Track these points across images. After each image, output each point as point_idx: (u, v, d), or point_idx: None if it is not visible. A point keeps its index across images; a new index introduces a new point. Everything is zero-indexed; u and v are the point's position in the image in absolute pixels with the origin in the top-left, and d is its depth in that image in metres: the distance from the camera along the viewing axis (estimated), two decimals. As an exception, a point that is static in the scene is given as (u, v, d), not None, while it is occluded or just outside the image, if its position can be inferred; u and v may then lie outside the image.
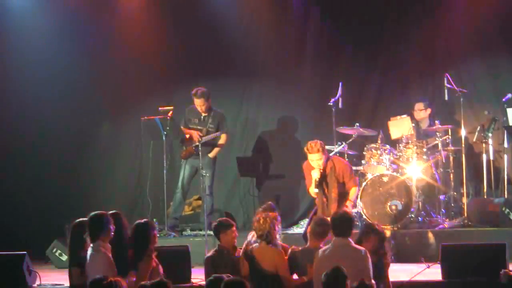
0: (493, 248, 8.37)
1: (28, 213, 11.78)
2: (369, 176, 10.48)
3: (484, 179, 10.71)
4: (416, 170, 10.50)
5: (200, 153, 10.49)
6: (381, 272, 7.13)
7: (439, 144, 10.63)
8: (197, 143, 10.66)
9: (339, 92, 10.86)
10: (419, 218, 10.45)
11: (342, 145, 10.70)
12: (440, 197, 10.75)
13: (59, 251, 10.45)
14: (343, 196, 9.12)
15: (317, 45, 12.23)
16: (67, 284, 7.88)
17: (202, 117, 11.01)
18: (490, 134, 10.67)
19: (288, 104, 12.26)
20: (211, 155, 10.98)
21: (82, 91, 12.06)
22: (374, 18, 11.96)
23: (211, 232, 8.16)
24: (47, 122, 11.97)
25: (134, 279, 7.14)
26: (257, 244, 7.63)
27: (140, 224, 7.51)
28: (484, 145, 10.69)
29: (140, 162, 12.17)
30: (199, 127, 10.96)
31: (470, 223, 10.26)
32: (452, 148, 10.75)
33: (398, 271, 8.58)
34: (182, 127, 10.96)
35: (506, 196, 10.63)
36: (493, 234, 9.85)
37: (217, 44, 12.17)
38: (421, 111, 11.19)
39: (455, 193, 10.87)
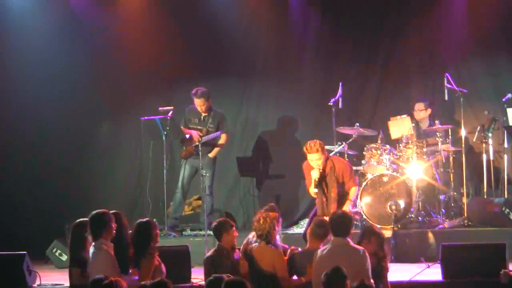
0: (493, 248, 8.36)
1: (28, 213, 11.79)
2: (369, 176, 10.48)
3: (484, 179, 10.71)
4: (416, 170, 10.50)
5: (200, 153, 10.49)
6: (380, 274, 7.13)
7: (439, 144, 10.63)
8: (197, 143, 10.66)
9: (339, 92, 10.86)
10: (419, 218, 10.45)
11: (342, 145, 10.70)
12: (440, 197, 10.75)
13: (59, 251, 10.45)
14: (343, 195, 9.10)
15: (317, 45, 12.23)
16: (67, 284, 7.89)
17: (202, 117, 11.01)
18: (490, 134, 10.67)
19: (288, 104, 12.26)
20: (211, 155, 10.99)
21: (82, 91, 12.06)
22: (374, 18, 11.97)
23: (211, 232, 8.14)
24: (47, 122, 11.97)
25: (137, 277, 7.14)
26: (256, 244, 7.62)
27: (142, 223, 7.54)
28: (484, 145, 10.69)
29: (140, 162, 12.17)
30: (199, 127, 10.96)
31: (470, 223, 10.25)
32: (452, 148, 10.75)
33: (398, 271, 8.58)
34: (182, 127, 10.96)
35: (506, 196, 10.63)
36: (493, 234, 9.84)
37: (217, 44, 12.17)
38: (422, 111, 11.19)
39: (455, 193, 10.87)
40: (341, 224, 7.06)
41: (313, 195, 9.16)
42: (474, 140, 10.93)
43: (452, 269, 8.24)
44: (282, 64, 12.21)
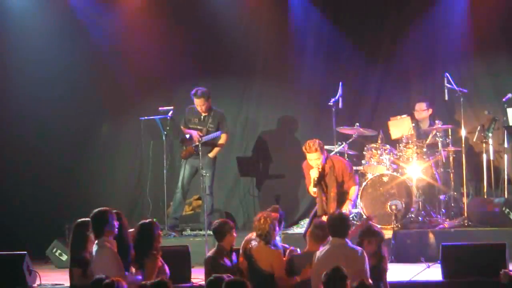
0: (493, 248, 8.37)
1: (28, 213, 11.77)
2: (369, 176, 10.49)
3: (484, 179, 10.71)
4: (416, 170, 10.51)
5: (200, 153, 10.48)
6: (379, 275, 7.12)
7: (439, 144, 10.63)
8: (197, 143, 10.66)
9: (339, 92, 10.86)
10: (419, 218, 10.45)
11: (342, 145, 10.71)
12: (440, 197, 10.75)
13: (59, 251, 10.45)
14: (342, 195, 9.09)
15: (317, 45, 12.23)
16: (67, 284, 7.88)
17: (202, 117, 11.00)
18: (490, 134, 10.68)
19: (288, 104, 12.26)
20: (211, 155, 10.98)
21: (82, 91, 12.06)
22: (374, 18, 11.97)
23: (211, 232, 8.14)
24: (47, 122, 11.98)
25: (140, 277, 7.12)
26: (256, 243, 7.63)
27: (145, 224, 7.53)
28: (484, 145, 10.69)
29: (140, 162, 12.17)
30: (199, 127, 10.96)
31: (470, 223, 10.25)
32: (452, 148, 10.75)
33: (398, 271, 8.58)
34: (182, 127, 10.96)
35: (506, 196, 10.63)
36: (493, 234, 9.84)
37: (217, 44, 12.17)
38: (423, 111, 11.19)
39: (455, 193, 10.87)
40: (339, 224, 7.06)
41: (312, 194, 9.16)
42: (474, 140, 10.93)
43: (452, 269, 8.25)
44: (282, 64, 12.21)
